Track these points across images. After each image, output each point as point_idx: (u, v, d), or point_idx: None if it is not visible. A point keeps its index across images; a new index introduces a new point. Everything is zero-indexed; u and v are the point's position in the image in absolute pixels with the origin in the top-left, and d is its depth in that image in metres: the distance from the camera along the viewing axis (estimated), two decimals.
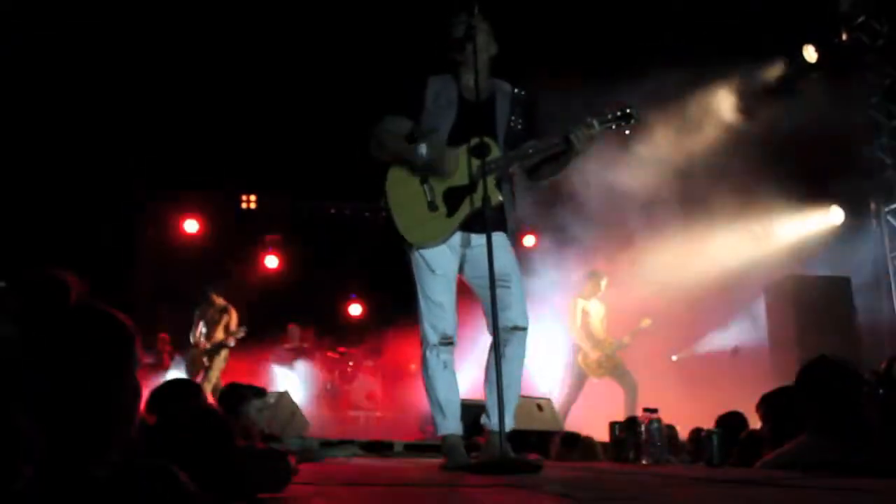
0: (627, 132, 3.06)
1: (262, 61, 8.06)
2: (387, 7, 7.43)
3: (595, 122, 3.02)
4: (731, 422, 3.63)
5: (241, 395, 4.06)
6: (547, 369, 7.56)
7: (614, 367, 7.02)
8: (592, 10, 7.30)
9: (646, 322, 7.08)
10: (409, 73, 3.31)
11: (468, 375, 4.60)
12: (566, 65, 7.28)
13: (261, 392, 4.16)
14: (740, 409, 3.78)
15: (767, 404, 3.02)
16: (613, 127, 3.04)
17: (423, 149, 3.04)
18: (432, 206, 3.09)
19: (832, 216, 7.78)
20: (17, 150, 7.44)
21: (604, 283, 7.23)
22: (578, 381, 7.16)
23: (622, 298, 7.49)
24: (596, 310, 7.18)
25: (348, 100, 7.59)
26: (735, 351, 7.91)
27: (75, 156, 8.11)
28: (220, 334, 7.74)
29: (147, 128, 8.48)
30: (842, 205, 7.75)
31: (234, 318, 7.85)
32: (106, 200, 8.81)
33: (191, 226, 10.49)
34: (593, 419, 6.57)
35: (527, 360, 3.15)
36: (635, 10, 7.26)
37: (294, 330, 9.44)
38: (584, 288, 7.25)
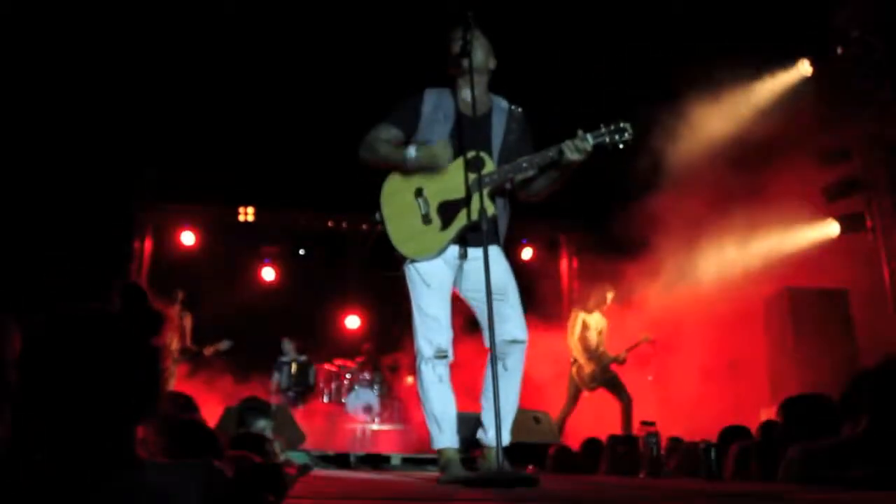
0: (621, 147, 3.07)
1: (261, 72, 8.08)
2: (386, 21, 7.46)
3: (589, 137, 3.03)
4: (734, 436, 3.62)
5: (251, 409, 4.10)
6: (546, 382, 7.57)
7: (609, 381, 7.01)
8: (589, 28, 7.35)
9: (645, 337, 7.10)
10: (407, 87, 3.33)
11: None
12: (560, 80, 7.35)
13: (267, 410, 4.19)
14: (738, 422, 3.77)
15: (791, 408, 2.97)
16: (607, 140, 3.05)
17: (412, 151, 3.06)
18: (426, 219, 3.10)
19: (828, 229, 7.80)
20: (13, 160, 7.44)
21: (610, 296, 7.22)
22: (575, 393, 7.16)
23: (621, 311, 7.52)
24: (596, 323, 7.17)
25: (347, 112, 7.61)
26: (732, 364, 7.90)
27: (71, 166, 8.11)
28: (175, 343, 7.19)
29: (144, 139, 8.48)
30: (837, 217, 7.76)
31: (189, 321, 7.36)
32: (102, 211, 8.80)
33: (187, 238, 10.49)
34: (593, 432, 6.57)
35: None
36: (626, 27, 7.32)
37: (289, 343, 9.40)
38: (588, 300, 7.24)
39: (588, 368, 6.99)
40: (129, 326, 1.32)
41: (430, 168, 3.07)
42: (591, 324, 7.14)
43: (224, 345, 7.32)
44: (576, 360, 7.08)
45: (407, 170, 3.10)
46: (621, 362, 7.08)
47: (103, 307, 1.35)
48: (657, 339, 7.44)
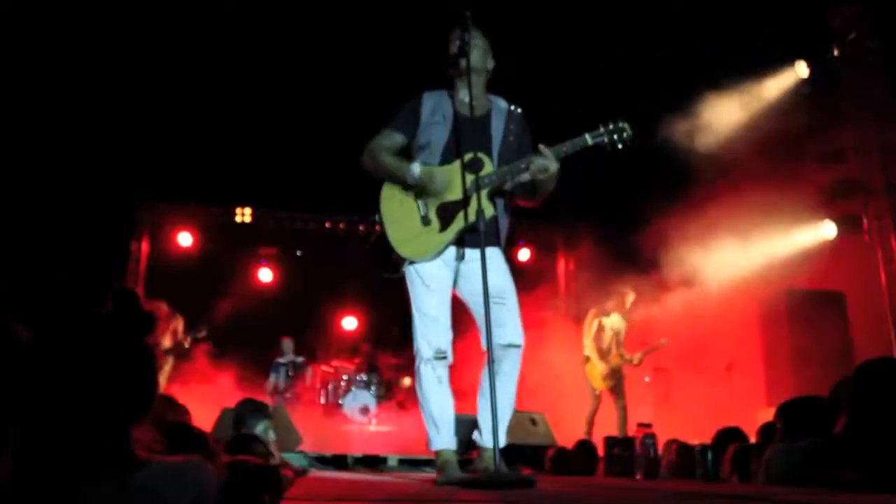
0: (620, 147, 3.07)
1: (259, 73, 8.08)
2: (384, 22, 7.47)
3: (588, 137, 3.04)
4: (729, 438, 3.62)
5: (249, 411, 4.09)
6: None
7: (616, 384, 7.11)
8: (591, 31, 7.37)
9: (662, 342, 7.20)
10: (406, 88, 3.33)
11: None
12: (561, 81, 7.36)
13: (267, 411, 4.17)
14: (735, 424, 3.77)
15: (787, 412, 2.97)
16: (606, 140, 3.06)
17: (416, 169, 3.05)
18: (425, 221, 3.10)
19: (825, 231, 7.82)
20: (13, 160, 7.42)
21: (629, 299, 7.34)
22: (594, 392, 7.24)
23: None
24: (613, 324, 7.27)
25: (344, 113, 7.61)
26: (729, 366, 7.92)
27: (69, 167, 8.10)
28: (167, 342, 7.68)
29: (141, 140, 8.47)
30: (834, 219, 7.78)
31: (180, 323, 7.85)
32: (99, 212, 8.79)
33: (185, 239, 10.47)
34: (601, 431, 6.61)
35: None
36: (626, 27, 7.34)
37: (287, 343, 9.40)
38: (606, 302, 7.32)
39: (599, 368, 7.09)
40: (123, 328, 1.33)
41: (428, 187, 3.06)
42: (606, 325, 7.25)
43: (200, 332, 7.78)
44: (588, 359, 7.16)
45: (407, 185, 3.11)
46: (636, 364, 7.20)
47: (97, 309, 1.36)
48: (672, 344, 7.53)
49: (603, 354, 7.08)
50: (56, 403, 1.21)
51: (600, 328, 7.18)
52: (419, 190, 3.09)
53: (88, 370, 1.24)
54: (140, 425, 1.32)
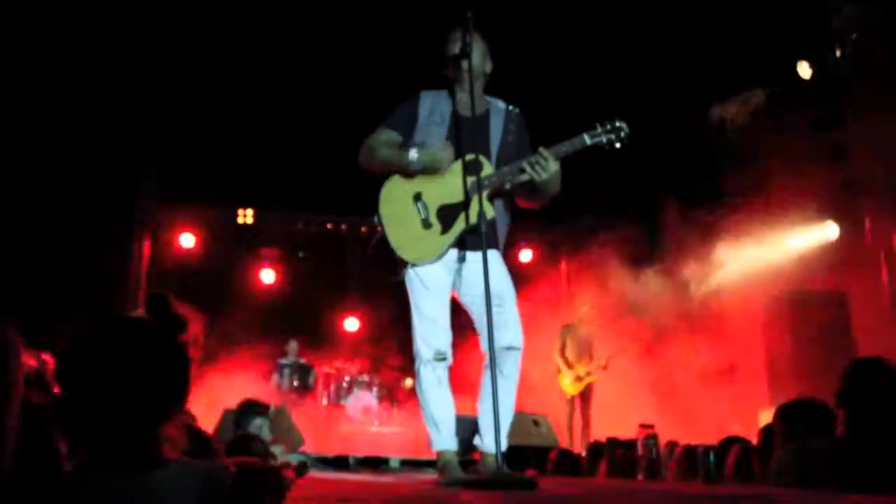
0: (618, 146, 3.07)
1: (262, 75, 8.09)
2: (385, 23, 7.47)
3: (586, 137, 3.04)
4: (731, 440, 3.61)
5: (247, 411, 4.12)
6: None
7: (584, 391, 7.56)
8: (587, 33, 7.37)
9: (627, 343, 7.46)
10: (406, 89, 3.32)
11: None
12: (558, 82, 7.37)
13: (264, 409, 4.21)
14: (737, 425, 3.77)
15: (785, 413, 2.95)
16: (604, 140, 3.06)
17: (413, 153, 3.06)
18: (426, 224, 3.09)
19: (828, 231, 7.80)
20: (14, 160, 7.43)
21: (585, 310, 7.84)
22: (566, 398, 7.63)
23: (616, 319, 7.66)
24: (580, 336, 7.73)
25: (346, 114, 7.61)
26: (731, 367, 7.91)
27: (72, 167, 8.11)
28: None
29: (144, 140, 8.48)
30: (837, 220, 7.76)
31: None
32: (101, 213, 8.79)
33: (187, 240, 10.47)
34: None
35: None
36: (627, 30, 7.34)
37: (292, 344, 9.41)
38: (572, 314, 7.89)
39: (568, 376, 7.55)
40: (158, 330, 1.37)
41: (432, 169, 3.07)
42: (574, 336, 7.70)
43: None
44: (559, 371, 7.65)
45: (409, 172, 3.10)
46: (600, 367, 7.40)
47: (134, 312, 1.40)
48: (673, 344, 7.74)
49: (570, 365, 7.59)
50: (89, 402, 1.24)
51: (566, 342, 7.69)
52: (420, 176, 3.07)
53: (124, 370, 1.27)
54: (172, 423, 1.35)
